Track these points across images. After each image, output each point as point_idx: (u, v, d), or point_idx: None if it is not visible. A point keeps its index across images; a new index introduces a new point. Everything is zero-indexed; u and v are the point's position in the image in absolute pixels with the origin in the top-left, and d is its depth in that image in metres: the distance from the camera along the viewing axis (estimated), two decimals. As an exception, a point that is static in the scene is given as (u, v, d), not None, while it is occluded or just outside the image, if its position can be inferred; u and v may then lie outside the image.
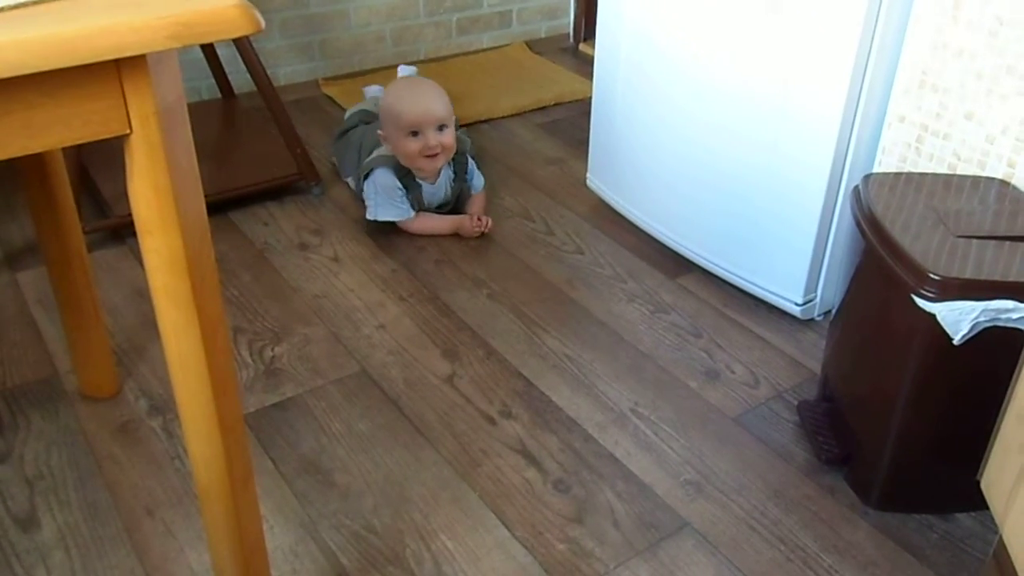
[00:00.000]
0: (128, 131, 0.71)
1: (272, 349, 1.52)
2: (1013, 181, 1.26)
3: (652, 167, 1.76)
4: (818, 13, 1.36)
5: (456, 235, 1.85)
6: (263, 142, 2.10)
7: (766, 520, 1.22)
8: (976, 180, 1.27)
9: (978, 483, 1.04)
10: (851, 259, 1.25)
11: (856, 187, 1.27)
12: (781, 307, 1.61)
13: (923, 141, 1.37)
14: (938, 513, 1.23)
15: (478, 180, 1.94)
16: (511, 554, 1.17)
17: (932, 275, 1.06)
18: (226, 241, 1.82)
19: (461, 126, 2.12)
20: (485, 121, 2.35)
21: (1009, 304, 1.04)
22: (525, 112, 2.42)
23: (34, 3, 0.64)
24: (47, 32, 0.61)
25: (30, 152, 0.68)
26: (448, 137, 1.80)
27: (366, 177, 1.83)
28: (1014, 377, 0.98)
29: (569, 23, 2.97)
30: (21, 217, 1.87)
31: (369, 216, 1.83)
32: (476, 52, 2.81)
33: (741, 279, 1.65)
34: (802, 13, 1.38)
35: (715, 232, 1.66)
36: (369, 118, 2.06)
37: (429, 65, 2.65)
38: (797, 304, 1.58)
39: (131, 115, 0.70)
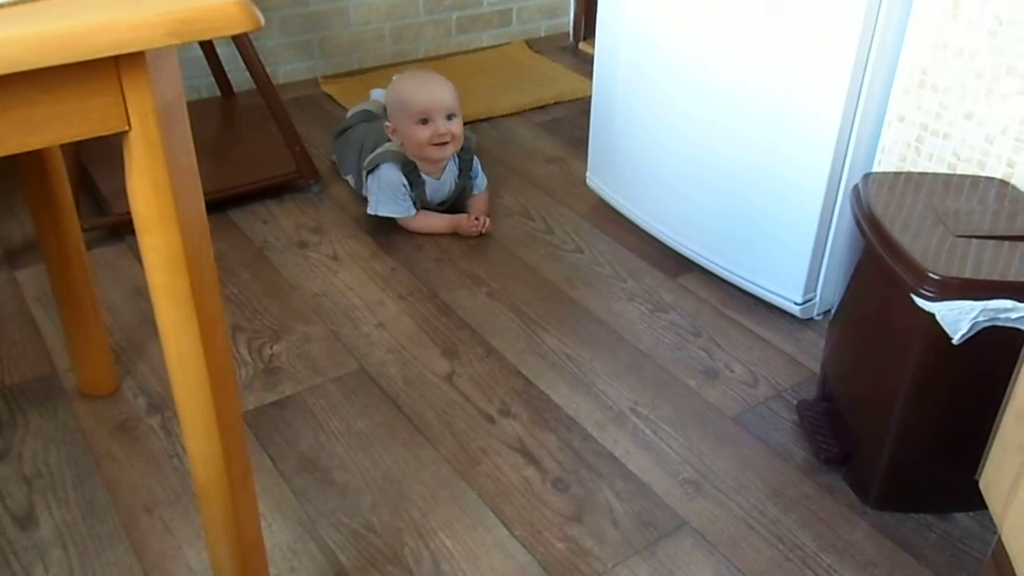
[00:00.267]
0: (127, 128, 0.71)
1: (271, 347, 1.52)
2: (1013, 181, 1.26)
3: (652, 166, 1.76)
4: (818, 12, 1.36)
5: (455, 234, 1.85)
6: (262, 140, 2.10)
7: (765, 519, 1.22)
8: (976, 180, 1.27)
9: (977, 483, 1.04)
10: (851, 258, 1.25)
11: (856, 186, 1.27)
12: (780, 306, 1.61)
13: (923, 141, 1.37)
14: (937, 513, 1.23)
15: (481, 180, 1.94)
16: (510, 553, 1.17)
17: (931, 275, 1.06)
18: (225, 239, 1.82)
19: (464, 124, 2.12)
20: (485, 120, 2.35)
21: (1008, 304, 1.04)
22: (525, 111, 2.42)
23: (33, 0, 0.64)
24: (46, 28, 0.61)
25: (29, 149, 0.68)
26: (457, 126, 1.80)
27: (372, 171, 1.83)
28: (1013, 377, 0.98)
29: (569, 22, 2.97)
30: (20, 215, 1.86)
31: (370, 211, 1.83)
32: (476, 51, 2.81)
33: (740, 278, 1.65)
34: (802, 12, 1.38)
35: (715, 231, 1.66)
36: (370, 117, 2.06)
37: (429, 63, 2.64)
38: (796, 303, 1.58)
39: (130, 112, 0.70)
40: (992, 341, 1.06)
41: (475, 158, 1.92)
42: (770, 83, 1.46)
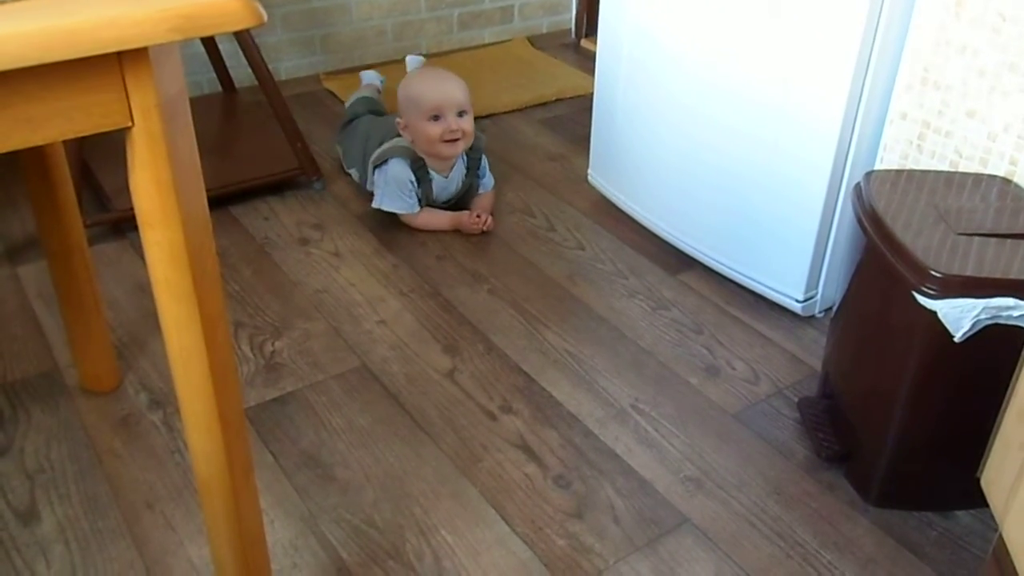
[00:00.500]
0: (130, 124, 0.71)
1: (272, 344, 1.52)
2: (1015, 179, 1.26)
3: (653, 163, 1.76)
4: (820, 10, 1.36)
5: (457, 231, 1.85)
6: (264, 136, 2.10)
7: (766, 516, 1.22)
8: (978, 178, 1.27)
9: (978, 480, 1.04)
10: (852, 256, 1.25)
11: (857, 184, 1.27)
12: (782, 304, 1.61)
13: (925, 138, 1.37)
14: (938, 510, 1.24)
15: (488, 180, 1.94)
16: (511, 549, 1.17)
17: (933, 272, 1.06)
18: (227, 236, 1.82)
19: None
20: (486, 116, 2.34)
21: (1010, 302, 1.04)
22: (526, 108, 2.42)
23: (36, -5, 0.64)
24: (48, 24, 0.61)
25: (31, 145, 0.68)
26: (468, 123, 1.80)
27: (380, 166, 1.83)
28: (1015, 375, 0.98)
29: (571, 19, 2.96)
30: (22, 211, 1.87)
31: (375, 204, 1.83)
32: (477, 47, 2.81)
33: (742, 276, 1.65)
34: (805, 9, 1.38)
35: (716, 228, 1.66)
36: (373, 105, 2.06)
37: (430, 60, 2.64)
38: (798, 301, 1.58)
39: (133, 108, 0.70)
40: (994, 339, 1.06)
41: (483, 157, 1.92)
42: (772, 80, 1.46)
